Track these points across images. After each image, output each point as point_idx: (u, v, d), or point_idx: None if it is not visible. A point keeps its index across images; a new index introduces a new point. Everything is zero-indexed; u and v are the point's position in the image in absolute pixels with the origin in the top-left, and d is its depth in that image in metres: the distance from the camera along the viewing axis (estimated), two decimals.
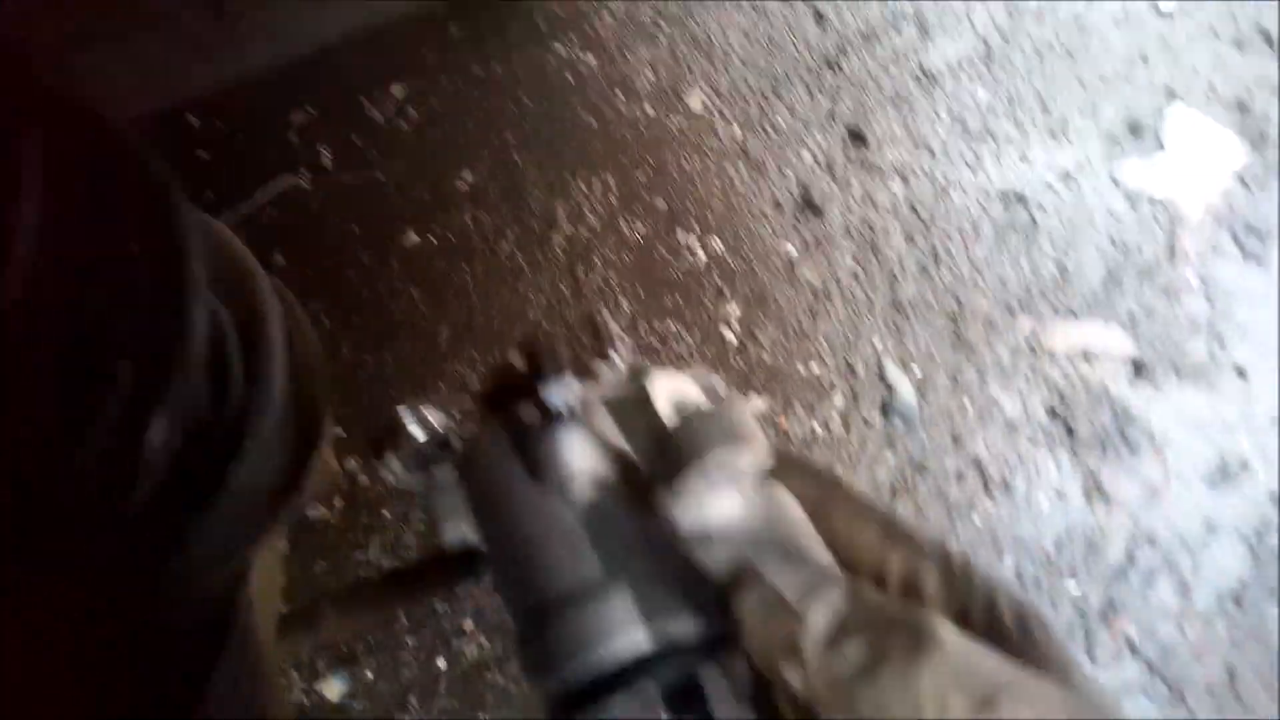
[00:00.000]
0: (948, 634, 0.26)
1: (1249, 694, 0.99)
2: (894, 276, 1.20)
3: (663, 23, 1.37)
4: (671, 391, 0.34)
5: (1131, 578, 1.04)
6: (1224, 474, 1.10)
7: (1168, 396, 1.14)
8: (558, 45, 1.35)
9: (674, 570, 0.30)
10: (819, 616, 0.26)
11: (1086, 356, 1.15)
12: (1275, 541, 1.08)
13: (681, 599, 0.30)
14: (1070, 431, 1.12)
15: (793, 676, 0.26)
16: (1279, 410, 1.12)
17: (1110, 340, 1.16)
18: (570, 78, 1.33)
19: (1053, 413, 1.13)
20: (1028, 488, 1.09)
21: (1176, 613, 1.02)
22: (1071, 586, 1.04)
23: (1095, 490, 1.08)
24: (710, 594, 0.29)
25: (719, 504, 0.31)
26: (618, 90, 1.32)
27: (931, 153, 1.28)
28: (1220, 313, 1.18)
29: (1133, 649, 1.01)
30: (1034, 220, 1.23)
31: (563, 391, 0.33)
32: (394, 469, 0.40)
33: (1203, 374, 1.14)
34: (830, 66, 1.34)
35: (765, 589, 0.27)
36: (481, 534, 0.36)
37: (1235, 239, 1.21)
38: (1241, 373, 1.14)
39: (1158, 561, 1.05)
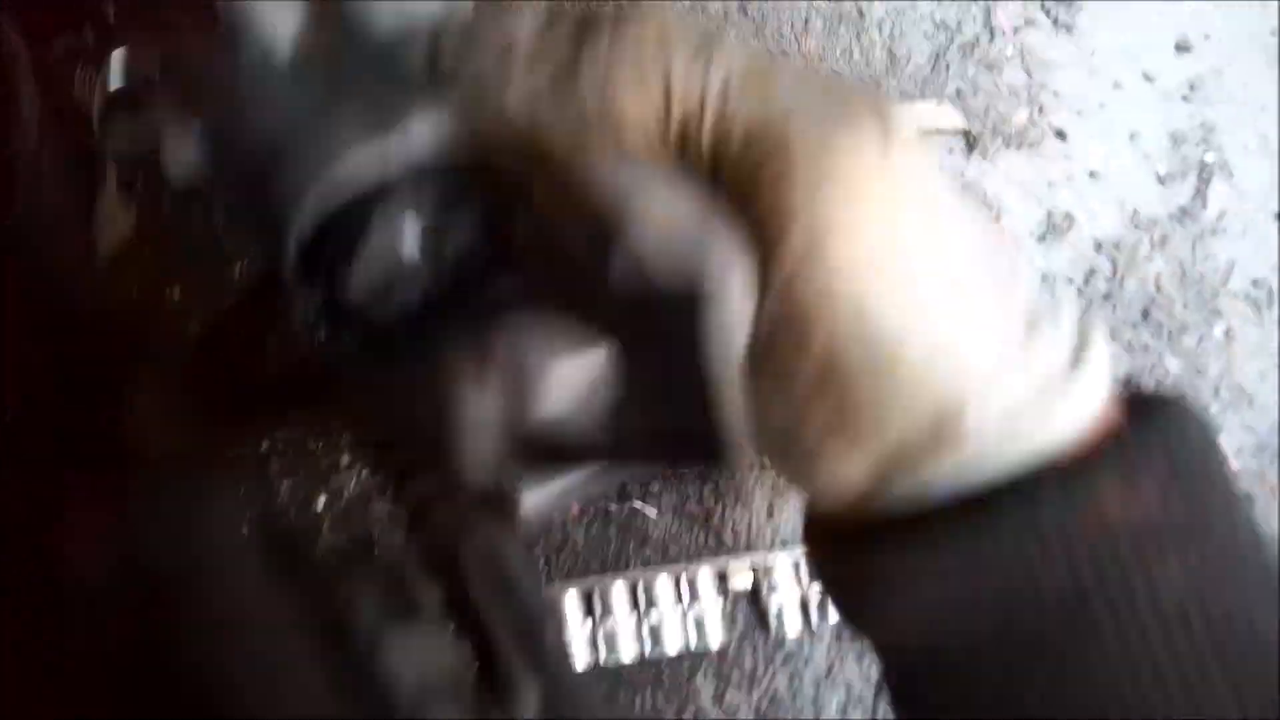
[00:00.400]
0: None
1: None
2: None
3: None
4: None
5: None
6: (1053, 229, 1.17)
7: (996, 164, 1.19)
8: None
9: (388, 82, 0.28)
10: (521, 25, 0.25)
11: (919, 132, 1.19)
12: (1101, 285, 1.16)
13: (406, 106, 0.28)
14: None
15: (508, 102, 0.25)
16: (1096, 165, 1.20)
17: (942, 117, 1.20)
18: None
19: None
20: None
21: None
22: None
23: None
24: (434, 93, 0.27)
25: None
26: None
27: None
28: (1037, 81, 1.23)
29: None
30: (860, 11, 1.25)
31: None
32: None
33: (1026, 139, 1.20)
34: None
35: (469, 29, 0.25)
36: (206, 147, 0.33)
37: (1045, 9, 1.26)
38: (1061, 134, 1.21)
39: None
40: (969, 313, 0.25)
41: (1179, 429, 0.26)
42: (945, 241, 0.25)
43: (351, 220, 0.29)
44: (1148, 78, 1.24)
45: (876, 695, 0.97)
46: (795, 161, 0.23)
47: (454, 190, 0.30)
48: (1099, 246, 1.17)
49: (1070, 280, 1.16)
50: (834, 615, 0.95)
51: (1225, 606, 0.23)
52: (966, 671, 0.27)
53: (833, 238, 0.23)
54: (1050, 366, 0.25)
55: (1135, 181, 1.20)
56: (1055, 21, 1.26)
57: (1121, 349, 1.14)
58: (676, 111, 0.24)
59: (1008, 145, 1.20)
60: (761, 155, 0.24)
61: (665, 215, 0.25)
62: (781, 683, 0.97)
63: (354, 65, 0.30)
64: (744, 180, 0.24)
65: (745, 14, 1.22)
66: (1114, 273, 1.16)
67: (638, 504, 0.98)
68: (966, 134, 1.19)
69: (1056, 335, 0.26)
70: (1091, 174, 1.20)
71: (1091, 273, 1.16)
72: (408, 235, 0.31)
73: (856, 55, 1.22)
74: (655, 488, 0.99)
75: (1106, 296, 1.15)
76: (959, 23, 1.25)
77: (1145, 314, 1.15)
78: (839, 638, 0.98)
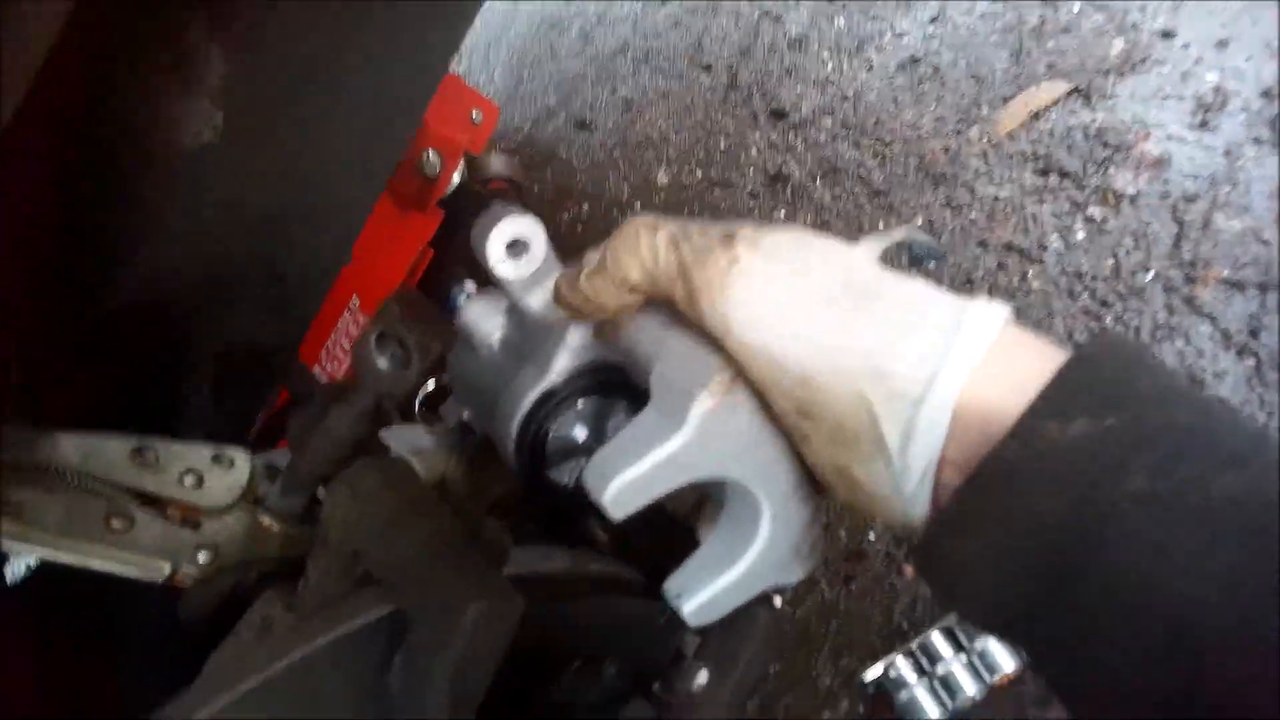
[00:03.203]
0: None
1: None
2: (860, 177, 1.44)
3: (614, 150, 1.78)
4: None
5: None
6: (1208, 109, 1.20)
7: (1119, 94, 1.27)
8: (563, 214, 1.78)
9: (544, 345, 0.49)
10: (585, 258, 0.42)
11: (1036, 117, 1.32)
12: None
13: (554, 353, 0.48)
14: (1063, 173, 1.27)
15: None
16: (1219, 35, 1.22)
17: (1044, 93, 1.32)
18: (580, 228, 1.74)
19: (1042, 171, 1.29)
20: (1060, 235, 1.24)
21: None
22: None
23: (1110, 195, 1.22)
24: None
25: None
26: (614, 212, 1.71)
27: (829, 84, 1.55)
28: (1116, 10, 1.32)
29: None
30: (934, 65, 1.45)
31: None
32: None
33: (1133, 59, 1.27)
34: (730, 88, 1.68)
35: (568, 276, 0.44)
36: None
37: None
38: (1167, 34, 1.26)
39: None
40: (839, 322, 0.34)
41: (1104, 362, 0.30)
42: (795, 287, 0.35)
43: (549, 414, 0.47)
44: None
45: None
46: (690, 285, 0.37)
47: (600, 388, 0.47)
48: (1268, 94, 1.17)
49: (1258, 140, 1.15)
50: None
51: (1186, 486, 0.27)
52: (1032, 611, 0.31)
53: (723, 316, 0.36)
54: (931, 337, 0.32)
55: (1268, 22, 1.19)
56: None
57: None
58: (649, 265, 0.39)
59: (1121, 74, 1.27)
60: (682, 286, 0.38)
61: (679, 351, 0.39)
62: None
63: (526, 341, 0.49)
64: (685, 305, 0.38)
65: (848, 109, 1.49)
66: None
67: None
68: (1075, 89, 1.29)
69: (934, 310, 0.33)
70: (1219, 44, 1.22)
71: (1276, 119, 1.15)
72: (576, 424, 0.49)
73: (946, 98, 1.41)
74: None
75: None
76: (1019, 15, 1.39)
77: None
78: None
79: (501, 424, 0.50)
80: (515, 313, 0.52)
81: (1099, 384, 0.29)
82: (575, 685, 0.48)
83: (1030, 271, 1.23)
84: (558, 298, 0.45)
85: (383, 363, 0.46)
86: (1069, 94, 1.30)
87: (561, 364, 0.48)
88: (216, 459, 0.52)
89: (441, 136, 1.70)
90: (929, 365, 0.32)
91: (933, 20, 1.50)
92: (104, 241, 0.81)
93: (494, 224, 0.46)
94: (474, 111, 1.74)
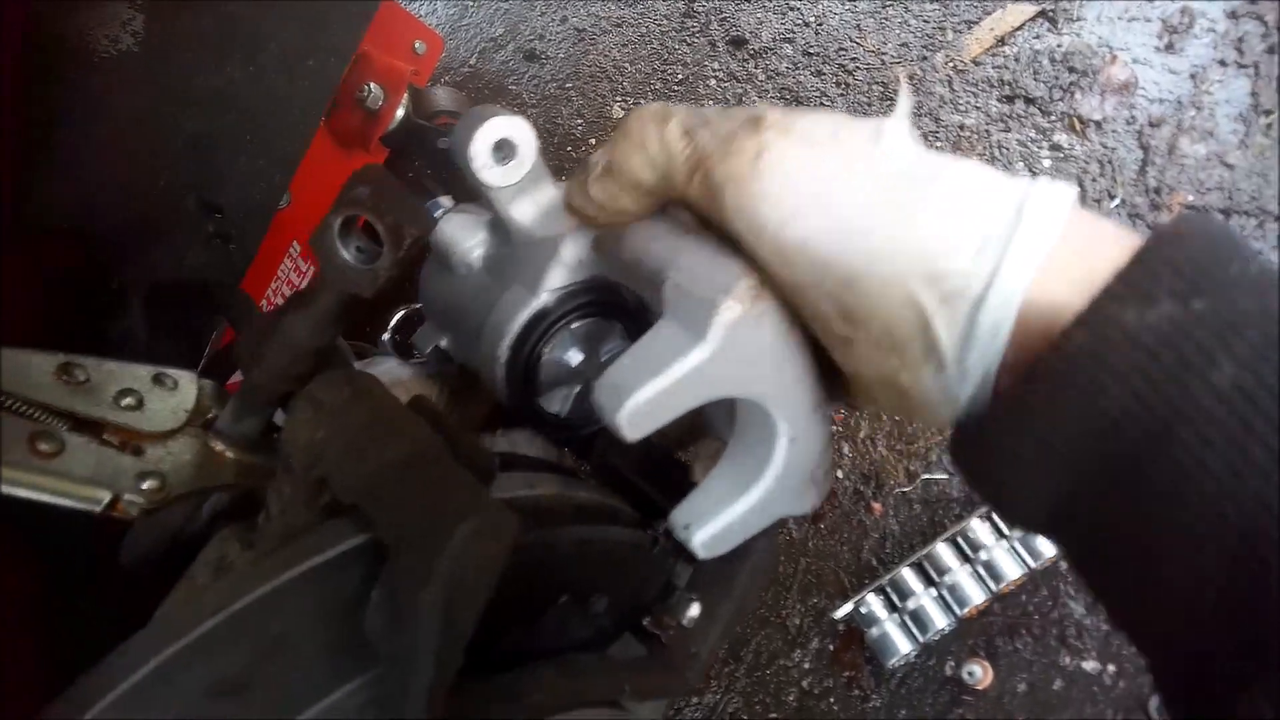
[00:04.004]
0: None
1: None
2: (824, 106, 1.40)
3: (566, 83, 1.71)
4: None
5: None
6: (1175, 31, 1.18)
7: (1087, 17, 1.24)
8: None
9: (532, 261, 0.45)
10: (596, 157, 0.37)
11: (1002, 41, 1.29)
12: (1257, 45, 1.13)
13: (545, 270, 0.44)
14: (1029, 100, 1.24)
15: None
16: None
17: (1010, 16, 1.29)
18: None
19: (1007, 98, 1.26)
20: (1025, 164, 1.22)
21: None
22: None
23: (1076, 121, 1.20)
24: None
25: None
26: (567, 148, 1.64)
27: (789, 9, 1.50)
28: None
29: None
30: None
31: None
32: None
33: None
34: (686, 16, 1.61)
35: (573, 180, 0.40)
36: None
37: None
38: None
39: None
40: (888, 214, 0.30)
41: (1190, 244, 0.27)
42: (836, 175, 0.31)
43: (544, 334, 0.44)
44: None
45: None
46: (711, 180, 0.33)
47: (597, 308, 0.44)
48: (1234, 15, 1.15)
49: (1223, 62, 1.14)
50: None
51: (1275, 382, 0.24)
52: (1084, 510, 0.28)
53: (753, 213, 0.31)
54: (989, 227, 0.28)
55: None
56: None
57: None
58: (662, 161, 0.35)
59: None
60: (702, 182, 0.33)
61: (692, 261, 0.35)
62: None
63: (512, 258, 0.46)
64: (704, 203, 0.34)
65: (809, 56, 1.44)
66: (1265, 25, 1.13)
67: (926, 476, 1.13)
68: (1043, 12, 1.27)
69: (992, 195, 0.29)
70: None
71: (1241, 40, 1.14)
72: (570, 347, 0.46)
73: (911, 23, 1.37)
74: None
75: (1271, 50, 1.12)
76: None
77: None
78: None
79: (487, 348, 0.45)
80: (498, 228, 0.47)
81: (1186, 266, 0.26)
82: (562, 621, 0.45)
83: None
84: (570, 206, 0.40)
85: (347, 254, 0.40)
86: (1036, 17, 1.28)
87: (554, 281, 0.43)
88: (158, 380, 0.46)
89: (383, 68, 1.60)
90: (989, 260, 0.28)
91: None
92: (18, 156, 0.74)
93: (479, 124, 0.41)
94: (417, 43, 1.64)
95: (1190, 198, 1.11)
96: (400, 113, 1.65)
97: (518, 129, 0.42)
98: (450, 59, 1.88)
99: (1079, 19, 1.25)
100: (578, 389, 0.49)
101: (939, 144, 1.28)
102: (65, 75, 0.75)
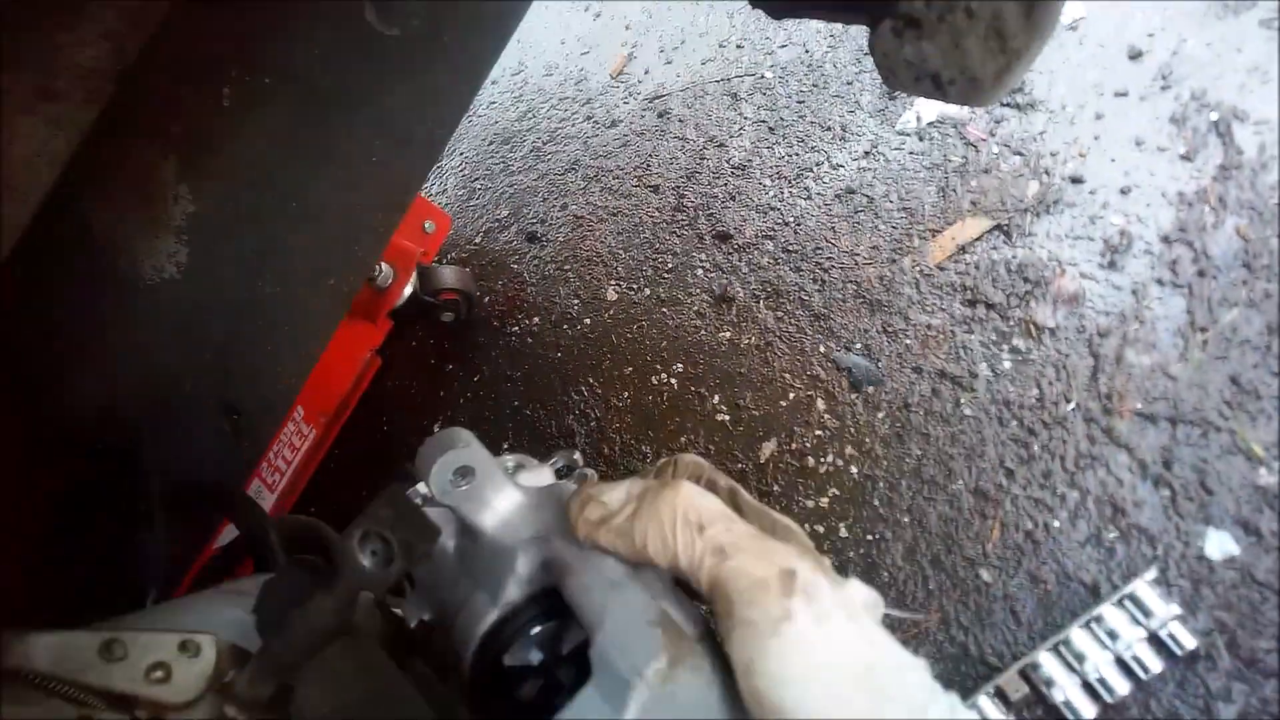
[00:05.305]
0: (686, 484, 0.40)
1: None
2: (802, 300, 1.51)
3: (565, 265, 1.83)
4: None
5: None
6: (1116, 251, 1.30)
7: (1037, 233, 1.37)
8: (513, 326, 1.82)
9: (496, 566, 0.52)
10: (612, 494, 0.45)
11: (963, 249, 1.41)
12: (1188, 268, 1.25)
13: (506, 577, 0.50)
14: (989, 305, 1.35)
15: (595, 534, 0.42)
16: (1121, 183, 1.34)
17: (970, 228, 1.42)
18: (530, 340, 1.78)
19: (970, 302, 1.37)
20: (988, 364, 1.32)
21: None
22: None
23: (1032, 327, 1.30)
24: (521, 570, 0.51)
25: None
26: (564, 326, 1.75)
27: (771, 210, 1.64)
28: (1031, 154, 1.43)
29: None
30: (868, 197, 1.55)
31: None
32: None
33: (1047, 200, 1.38)
34: (677, 209, 1.76)
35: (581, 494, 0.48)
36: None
37: (1005, 104, 1.49)
38: (1075, 179, 1.38)
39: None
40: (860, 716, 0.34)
41: None
42: (834, 667, 0.35)
43: (503, 643, 0.49)
44: (1121, 94, 1.40)
45: None
46: (731, 611, 0.37)
47: (553, 613, 0.48)
48: (1167, 239, 1.28)
49: (1160, 282, 1.26)
50: (1119, 688, 1.03)
51: None
52: None
53: (752, 666, 0.36)
54: None
55: (1164, 174, 1.31)
56: (1017, 106, 1.48)
57: (1253, 310, 1.19)
58: (681, 563, 0.41)
59: (1037, 214, 1.38)
60: (719, 600, 0.38)
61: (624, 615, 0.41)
62: None
63: (479, 557, 0.51)
64: (715, 607, 0.39)
65: (789, 252, 1.57)
66: (1195, 250, 1.25)
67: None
68: (999, 227, 1.40)
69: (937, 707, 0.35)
70: (1123, 191, 1.34)
71: (1175, 262, 1.26)
72: (530, 648, 0.50)
73: (881, 227, 1.50)
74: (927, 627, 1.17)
75: (1202, 274, 1.23)
76: (944, 155, 1.51)
77: (1246, 264, 1.21)
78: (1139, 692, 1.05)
79: (459, 643, 0.52)
80: (467, 528, 0.54)
81: None
82: None
83: (963, 399, 1.31)
84: (573, 521, 0.47)
85: (366, 560, 0.47)
86: (992, 229, 1.41)
87: (511, 595, 0.50)
88: (183, 647, 0.52)
89: (395, 248, 1.72)
90: None
91: (865, 154, 1.60)
92: (52, 368, 0.82)
93: (438, 454, 0.50)
94: (427, 222, 1.78)
95: (1139, 405, 1.19)
96: (408, 290, 1.76)
97: (471, 456, 0.50)
98: (457, 235, 2.02)
99: (1030, 234, 1.38)
100: (541, 682, 0.53)
101: (908, 340, 1.39)
102: (106, 297, 0.82)
